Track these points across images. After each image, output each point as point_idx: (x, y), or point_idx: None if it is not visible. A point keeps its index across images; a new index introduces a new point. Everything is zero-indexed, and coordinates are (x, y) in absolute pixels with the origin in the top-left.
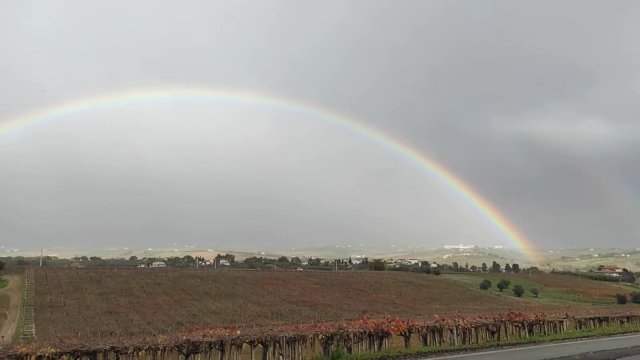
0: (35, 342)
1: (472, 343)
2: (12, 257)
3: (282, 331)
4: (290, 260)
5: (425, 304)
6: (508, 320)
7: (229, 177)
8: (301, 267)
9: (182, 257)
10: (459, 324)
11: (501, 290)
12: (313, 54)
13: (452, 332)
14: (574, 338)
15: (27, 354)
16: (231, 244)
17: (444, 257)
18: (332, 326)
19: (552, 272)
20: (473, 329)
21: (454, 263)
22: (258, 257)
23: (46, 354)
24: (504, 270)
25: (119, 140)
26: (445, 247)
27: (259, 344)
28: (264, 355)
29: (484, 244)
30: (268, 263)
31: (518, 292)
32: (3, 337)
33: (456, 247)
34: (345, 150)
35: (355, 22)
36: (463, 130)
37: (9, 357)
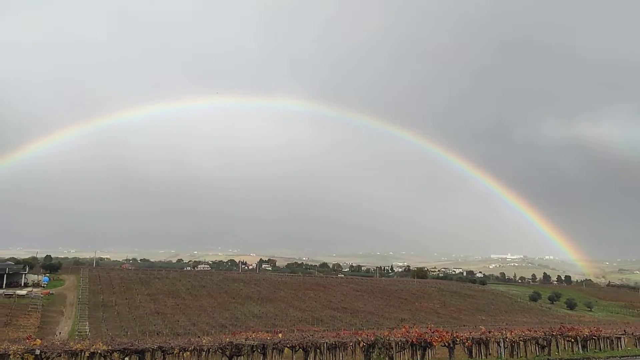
0: (88, 339)
1: (521, 357)
2: (69, 257)
3: (323, 337)
4: (331, 266)
5: (470, 315)
6: (560, 335)
7: (272, 181)
8: (342, 274)
9: (225, 260)
10: (506, 337)
11: (552, 303)
12: (355, 58)
13: (499, 344)
14: (633, 356)
15: (81, 350)
16: (273, 248)
17: (491, 266)
18: (374, 334)
19: (607, 285)
20: (522, 342)
21: (501, 273)
22: (299, 262)
23: (99, 351)
24: (555, 282)
25: (168, 147)
26: (492, 256)
27: (300, 349)
28: None
29: (534, 253)
30: (309, 268)
31: (570, 306)
32: (60, 333)
33: (503, 256)
34: (387, 155)
35: (397, 23)
36: (511, 133)
37: (65, 352)
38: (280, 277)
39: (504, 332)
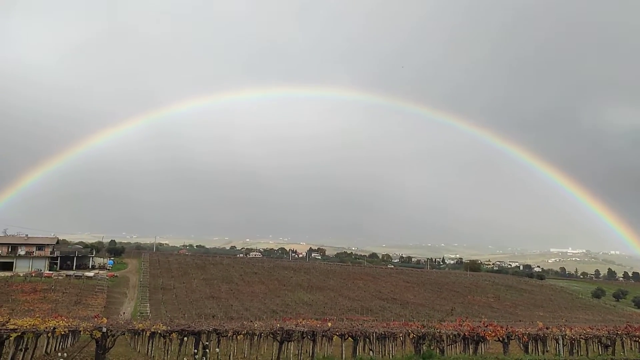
0: (149, 319)
1: (581, 355)
2: (131, 242)
3: (372, 327)
4: (380, 257)
5: (526, 310)
6: (625, 334)
7: (322, 169)
8: (391, 264)
9: (276, 248)
10: (565, 334)
11: (617, 301)
12: (405, 45)
13: (557, 342)
14: None
15: (143, 330)
16: (323, 238)
17: (550, 261)
18: (424, 326)
19: None
20: (583, 340)
21: (561, 268)
22: (348, 251)
23: (159, 331)
24: (621, 279)
25: (221, 138)
26: (552, 250)
27: (350, 338)
28: (354, 349)
29: (598, 248)
30: (358, 258)
31: (638, 304)
32: (124, 313)
33: (564, 250)
34: (439, 144)
35: (448, 7)
36: (574, 121)
37: (128, 331)
38: (330, 266)
39: (563, 329)
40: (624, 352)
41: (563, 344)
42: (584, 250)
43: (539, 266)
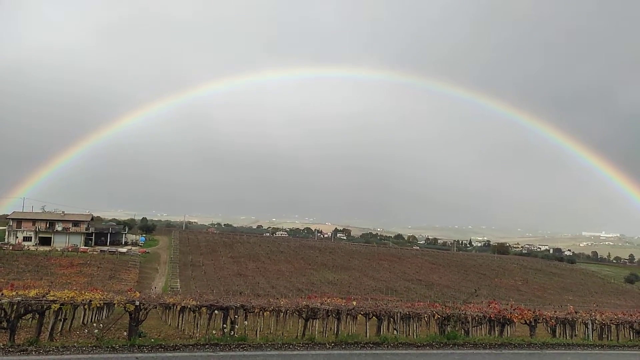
0: (179, 294)
1: (611, 340)
2: (162, 220)
3: (396, 307)
4: (406, 238)
5: (555, 294)
6: None
7: (347, 150)
8: (417, 246)
9: (302, 228)
10: (595, 318)
11: None
12: (434, 22)
13: (586, 326)
14: None
15: (173, 304)
16: (348, 218)
17: (581, 244)
18: (449, 307)
19: None
20: (613, 326)
21: (592, 252)
22: (374, 232)
23: (188, 306)
24: None
25: (248, 119)
26: (584, 233)
27: (374, 317)
28: (378, 328)
29: (632, 232)
30: (384, 239)
31: None
32: (155, 288)
33: (597, 234)
34: (467, 124)
35: None
36: (613, 100)
37: (160, 305)
38: (355, 246)
39: (593, 314)
40: None
41: (592, 329)
42: (618, 234)
43: (569, 250)
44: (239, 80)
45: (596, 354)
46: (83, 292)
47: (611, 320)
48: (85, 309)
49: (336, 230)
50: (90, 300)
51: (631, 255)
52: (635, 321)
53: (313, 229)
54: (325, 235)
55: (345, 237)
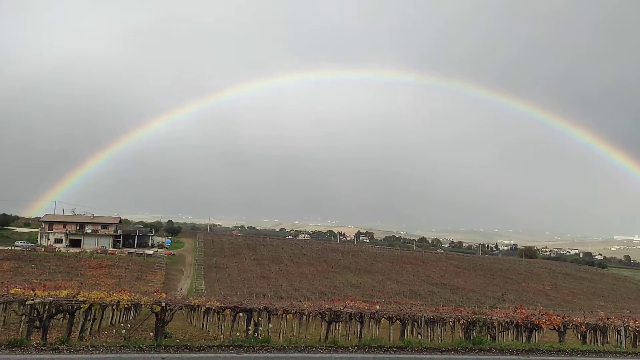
0: (204, 296)
1: None
2: (187, 223)
3: (420, 311)
4: (430, 242)
5: (586, 300)
6: None
7: (369, 153)
8: (442, 249)
9: (324, 231)
10: (628, 325)
11: None
12: (457, 23)
13: (619, 333)
14: None
15: (198, 306)
16: (371, 221)
17: (613, 248)
18: (474, 312)
19: None
20: None
21: (625, 256)
22: (397, 235)
23: (213, 307)
24: None
25: (271, 122)
26: (615, 237)
27: (397, 321)
28: (402, 332)
29: None
30: (407, 242)
31: None
32: (180, 289)
33: (629, 238)
34: (492, 125)
35: None
36: (639, 98)
37: (185, 306)
38: (378, 249)
39: (626, 320)
40: None
41: (626, 336)
42: None
43: (600, 254)
44: (263, 84)
45: None
46: (111, 293)
47: None
48: (113, 310)
49: (359, 233)
50: (119, 301)
51: None
52: None
53: (336, 232)
54: (348, 238)
55: (368, 240)
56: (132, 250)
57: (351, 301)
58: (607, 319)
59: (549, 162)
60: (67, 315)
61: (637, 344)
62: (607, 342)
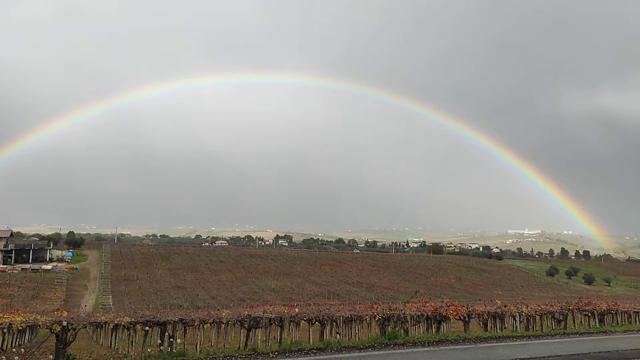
0: (112, 311)
1: (536, 330)
2: (91, 233)
3: (339, 311)
4: (346, 242)
5: (486, 290)
6: (576, 309)
7: (287, 156)
8: (357, 249)
9: (243, 236)
10: (522, 311)
11: (569, 278)
12: (369, 32)
13: (514, 318)
14: None
15: (105, 322)
16: (289, 225)
17: (507, 242)
18: (389, 308)
19: (627, 259)
20: (537, 317)
21: (518, 248)
22: (315, 238)
23: (122, 323)
24: (573, 257)
25: (183, 124)
26: (509, 231)
27: (317, 322)
28: (322, 333)
29: (552, 229)
30: (325, 244)
31: (588, 280)
32: (85, 306)
33: (521, 231)
34: (403, 130)
35: None
36: (531, 106)
37: (90, 323)
38: (297, 252)
39: (520, 307)
40: (575, 325)
41: (520, 321)
42: (540, 231)
43: (497, 247)
44: (174, 85)
45: (524, 344)
46: (2, 315)
47: (535, 312)
48: (4, 333)
49: (278, 237)
50: (10, 323)
51: (551, 250)
52: (555, 311)
53: (254, 237)
54: (267, 243)
55: (287, 244)
56: (27, 266)
57: (271, 306)
58: (505, 306)
59: (454, 164)
60: None
61: (529, 327)
62: (505, 328)
